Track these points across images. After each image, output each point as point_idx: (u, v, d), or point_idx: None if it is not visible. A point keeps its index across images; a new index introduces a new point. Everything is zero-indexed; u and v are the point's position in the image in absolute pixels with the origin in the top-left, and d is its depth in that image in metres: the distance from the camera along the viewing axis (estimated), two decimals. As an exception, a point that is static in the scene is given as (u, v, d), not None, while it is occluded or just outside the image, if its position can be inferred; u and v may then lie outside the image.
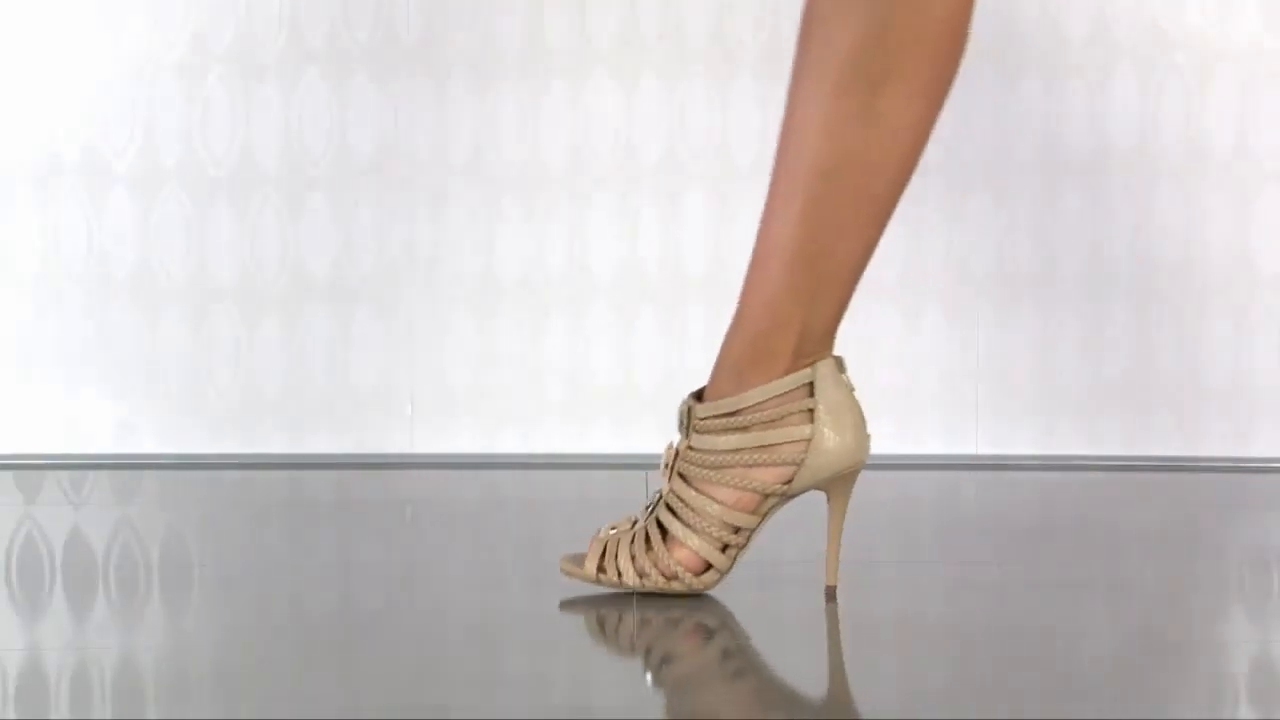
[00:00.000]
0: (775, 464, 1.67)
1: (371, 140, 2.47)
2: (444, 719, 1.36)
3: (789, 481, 1.67)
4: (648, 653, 1.57)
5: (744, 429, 1.67)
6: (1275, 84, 2.46)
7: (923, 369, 2.48)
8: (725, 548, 1.67)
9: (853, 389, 1.69)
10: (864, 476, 2.35)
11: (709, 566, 1.67)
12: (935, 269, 2.49)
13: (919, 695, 1.45)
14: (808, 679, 1.50)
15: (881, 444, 2.45)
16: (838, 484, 1.68)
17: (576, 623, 1.63)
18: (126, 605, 1.71)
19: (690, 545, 1.67)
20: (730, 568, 1.67)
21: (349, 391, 2.49)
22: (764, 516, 1.68)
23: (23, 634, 1.60)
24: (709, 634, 1.60)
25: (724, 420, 1.67)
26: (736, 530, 1.67)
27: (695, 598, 1.67)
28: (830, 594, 1.68)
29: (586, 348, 2.48)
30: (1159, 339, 2.48)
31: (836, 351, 1.72)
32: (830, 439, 1.67)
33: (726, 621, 1.63)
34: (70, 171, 2.46)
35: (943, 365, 2.48)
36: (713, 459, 1.67)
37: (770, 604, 1.69)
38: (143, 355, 2.47)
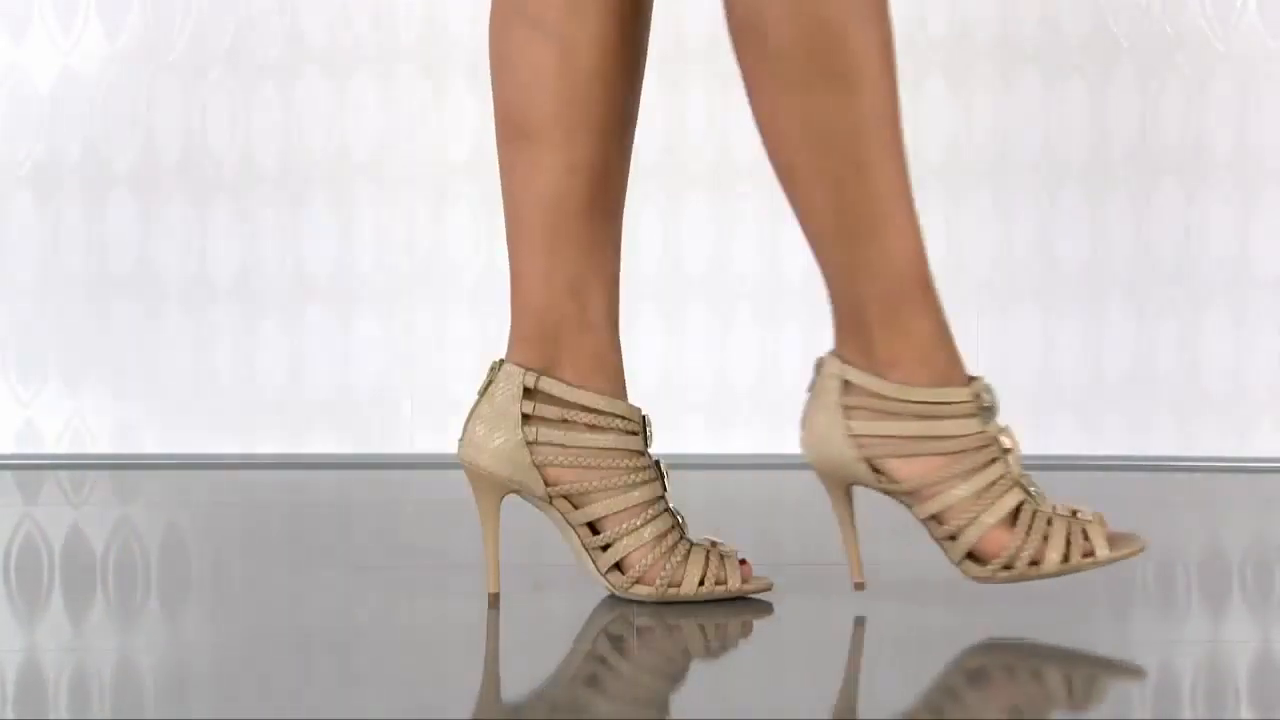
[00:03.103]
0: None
1: (371, 140, 2.47)
2: (442, 719, 1.36)
3: None
4: (640, 650, 1.57)
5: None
6: (1275, 84, 2.46)
7: (923, 369, 2.48)
8: None
9: (481, 393, 1.69)
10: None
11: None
12: (935, 269, 2.48)
13: (917, 696, 1.45)
14: (804, 680, 1.50)
15: (881, 444, 2.46)
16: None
17: (576, 623, 1.63)
18: (126, 606, 1.71)
19: None
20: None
21: (349, 391, 2.49)
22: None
23: (22, 635, 1.61)
24: (707, 632, 1.60)
25: None
26: None
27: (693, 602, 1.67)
28: (497, 600, 1.68)
29: (586, 348, 2.48)
30: (1159, 339, 2.48)
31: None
32: None
33: (719, 621, 1.63)
34: (70, 171, 2.46)
35: (943, 365, 2.48)
36: None
37: (770, 605, 1.69)
38: (143, 355, 2.47)
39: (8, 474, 2.38)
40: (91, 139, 2.46)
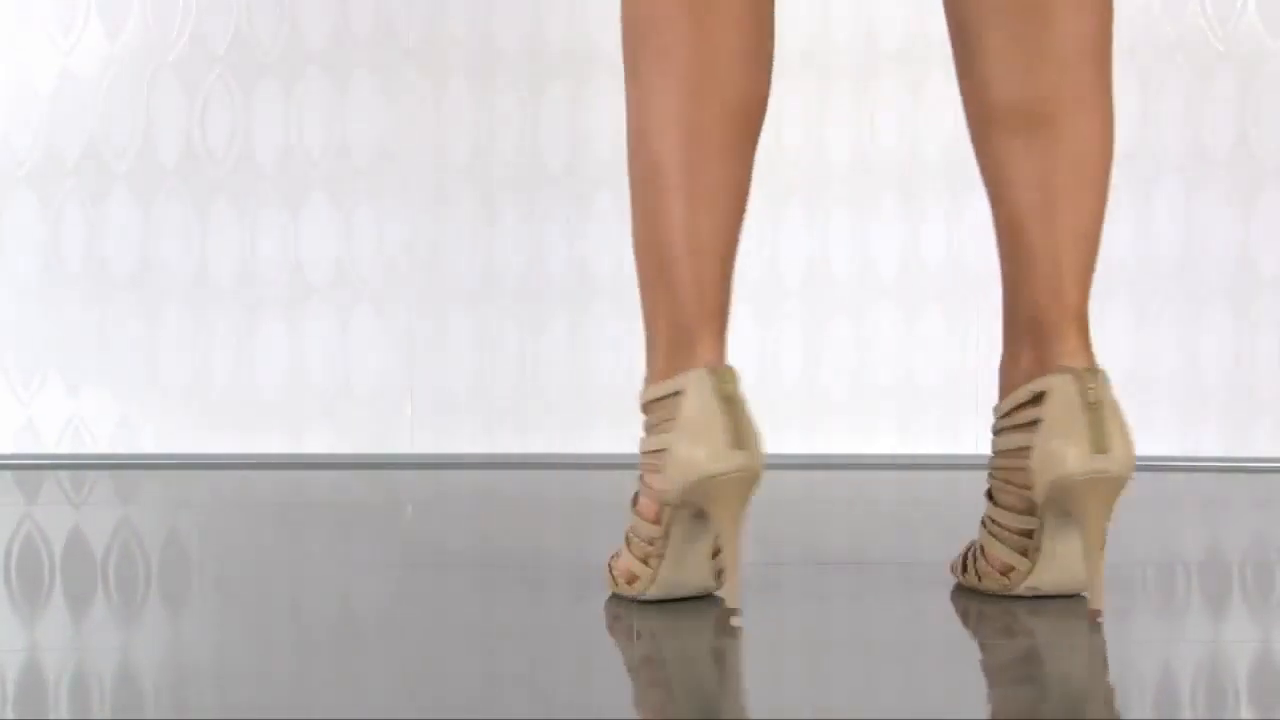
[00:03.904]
0: (659, 470, 1.60)
1: (371, 140, 2.47)
2: (442, 719, 1.36)
3: (666, 490, 1.60)
4: (638, 651, 1.57)
5: (645, 431, 1.63)
6: (1275, 84, 2.46)
7: (922, 368, 2.48)
8: (646, 558, 1.64)
9: (730, 399, 1.58)
10: (864, 475, 2.35)
11: (635, 576, 1.65)
12: (935, 268, 2.49)
13: (915, 698, 1.45)
14: (799, 680, 1.50)
15: (881, 444, 2.46)
16: (708, 502, 1.57)
17: (575, 623, 1.63)
18: (126, 606, 1.71)
19: (625, 551, 1.66)
20: (654, 579, 1.63)
21: (349, 391, 2.49)
22: (669, 529, 1.61)
23: (22, 634, 1.61)
24: (703, 632, 1.60)
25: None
26: (651, 540, 1.63)
27: (702, 602, 1.67)
28: (731, 615, 1.58)
29: (586, 348, 2.48)
30: (1159, 339, 2.48)
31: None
32: (681, 452, 1.56)
33: (719, 621, 1.63)
34: (70, 171, 2.46)
35: (942, 364, 2.48)
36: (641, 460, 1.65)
37: (769, 604, 1.69)
38: (143, 355, 2.47)
39: (8, 474, 2.38)
40: (91, 139, 2.46)
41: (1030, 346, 1.68)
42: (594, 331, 2.48)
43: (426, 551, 1.92)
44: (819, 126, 2.46)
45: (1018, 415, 1.66)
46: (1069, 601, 1.68)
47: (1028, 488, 1.65)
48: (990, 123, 1.67)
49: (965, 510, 2.20)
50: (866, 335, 2.47)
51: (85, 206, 2.47)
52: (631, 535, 1.64)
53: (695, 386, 1.58)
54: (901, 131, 2.48)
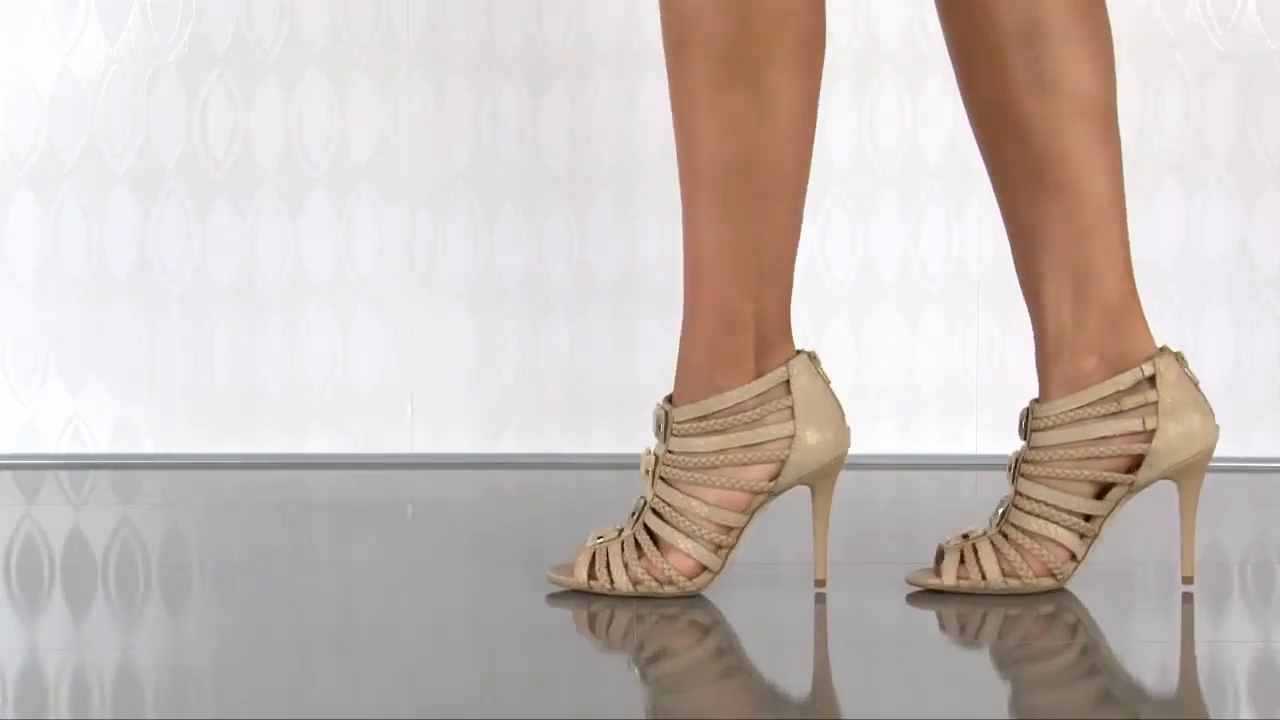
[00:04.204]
0: (762, 461, 1.67)
1: (371, 140, 2.47)
2: (442, 719, 1.36)
3: (775, 478, 1.67)
4: (640, 651, 1.57)
5: (723, 430, 1.67)
6: (1275, 84, 2.46)
7: (922, 369, 2.48)
8: (718, 548, 1.68)
9: (828, 382, 1.70)
10: (864, 476, 2.35)
11: (703, 569, 1.68)
12: (935, 269, 2.49)
13: (914, 697, 1.45)
14: (800, 679, 1.50)
15: (881, 443, 2.47)
16: (821, 478, 1.69)
17: (575, 623, 1.63)
18: (126, 606, 1.71)
19: (682, 548, 1.67)
20: (723, 568, 1.68)
21: (349, 391, 2.49)
22: (752, 514, 1.68)
23: (22, 634, 1.61)
24: (704, 631, 1.60)
25: (702, 423, 1.68)
26: (728, 530, 1.68)
27: (692, 597, 1.67)
28: (819, 586, 1.69)
29: (587, 348, 2.48)
30: (1158, 339, 2.47)
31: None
32: (811, 435, 1.68)
33: (719, 620, 1.63)
34: (70, 171, 2.46)
35: (942, 365, 2.48)
36: (697, 461, 1.67)
37: (767, 603, 1.69)
38: (143, 355, 2.47)
39: (8, 474, 2.38)
40: (91, 139, 2.46)
41: (1107, 336, 1.69)
42: (594, 331, 2.48)
43: (426, 551, 1.92)
44: (819, 126, 2.45)
45: (1121, 400, 1.67)
46: (1076, 599, 1.68)
47: (1127, 470, 1.69)
48: (1076, 115, 1.69)
49: (965, 510, 2.20)
50: (866, 335, 2.47)
51: (85, 206, 2.47)
52: (697, 529, 1.67)
53: (804, 373, 1.69)
54: (901, 131, 2.48)
